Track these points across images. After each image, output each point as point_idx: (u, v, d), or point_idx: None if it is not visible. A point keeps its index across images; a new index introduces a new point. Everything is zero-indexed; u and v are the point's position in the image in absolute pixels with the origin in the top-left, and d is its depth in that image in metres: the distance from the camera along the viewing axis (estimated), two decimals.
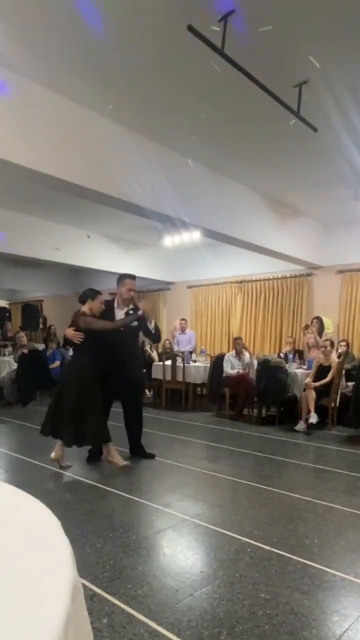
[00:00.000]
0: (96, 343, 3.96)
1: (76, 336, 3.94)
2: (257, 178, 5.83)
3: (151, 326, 4.34)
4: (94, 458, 4.25)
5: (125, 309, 4.32)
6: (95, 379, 3.93)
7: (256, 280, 8.91)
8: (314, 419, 5.73)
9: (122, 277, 4.39)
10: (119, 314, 4.30)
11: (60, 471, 3.99)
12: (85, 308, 4.04)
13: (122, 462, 4.00)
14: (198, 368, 7.65)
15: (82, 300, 4.09)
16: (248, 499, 3.44)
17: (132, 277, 4.41)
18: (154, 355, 8.55)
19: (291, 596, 2.10)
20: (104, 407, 4.13)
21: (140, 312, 4.22)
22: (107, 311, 4.21)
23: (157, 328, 4.45)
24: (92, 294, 4.10)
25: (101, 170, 4.31)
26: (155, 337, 4.56)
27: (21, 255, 7.98)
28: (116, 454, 4.02)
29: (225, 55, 2.95)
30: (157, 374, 7.77)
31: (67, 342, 4.32)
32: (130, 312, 4.30)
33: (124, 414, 4.41)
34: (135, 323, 4.24)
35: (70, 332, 3.98)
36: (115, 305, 4.35)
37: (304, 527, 2.90)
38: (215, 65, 3.16)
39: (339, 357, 6.38)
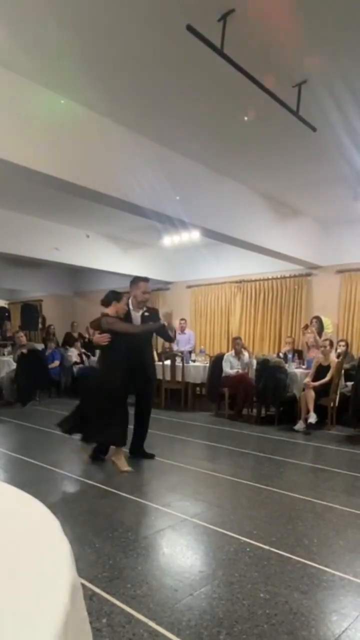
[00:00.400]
0: (123, 345, 3.98)
1: (103, 338, 3.94)
2: (257, 178, 5.83)
3: (171, 333, 4.41)
4: (97, 457, 4.26)
5: (141, 312, 4.35)
6: (123, 381, 3.99)
7: (255, 280, 8.91)
8: (313, 418, 5.74)
9: (137, 280, 4.37)
10: (135, 316, 4.32)
11: (60, 471, 3.99)
12: (110, 310, 4.03)
13: (125, 468, 4.00)
14: (197, 368, 7.65)
15: (106, 303, 4.08)
16: (247, 499, 3.45)
17: (147, 279, 4.41)
18: (153, 355, 8.54)
19: (290, 596, 2.10)
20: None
21: (163, 322, 4.25)
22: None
23: (174, 330, 4.56)
24: (116, 296, 4.10)
25: (101, 170, 4.31)
26: (172, 338, 4.73)
27: (20, 255, 7.98)
28: (122, 456, 4.04)
29: (224, 55, 2.95)
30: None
31: (94, 346, 4.33)
32: (146, 314, 4.34)
33: (135, 414, 4.45)
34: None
35: (96, 337, 4.00)
36: (131, 307, 4.34)
37: (303, 527, 2.91)
38: (214, 65, 3.15)
39: (338, 356, 6.38)
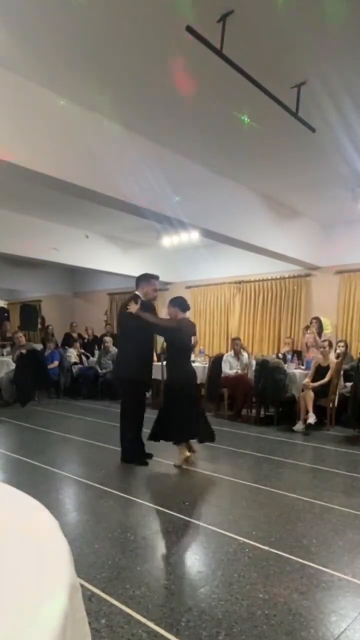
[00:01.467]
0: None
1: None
2: (256, 178, 5.83)
3: None
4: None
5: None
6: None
7: (255, 281, 8.92)
8: (312, 419, 5.74)
9: (149, 277, 4.42)
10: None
11: (59, 471, 3.99)
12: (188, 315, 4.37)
13: (181, 462, 4.23)
14: (197, 368, 7.59)
15: (186, 309, 4.37)
16: (246, 499, 3.45)
17: (157, 277, 4.48)
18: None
19: (289, 596, 2.10)
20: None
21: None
22: (148, 309, 4.30)
23: None
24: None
25: (100, 170, 4.31)
26: None
27: (19, 255, 7.97)
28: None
29: (223, 56, 2.95)
30: (155, 374, 7.73)
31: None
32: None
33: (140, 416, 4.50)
34: None
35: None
36: None
37: (302, 527, 2.91)
38: (214, 65, 3.15)
39: (337, 357, 6.38)
